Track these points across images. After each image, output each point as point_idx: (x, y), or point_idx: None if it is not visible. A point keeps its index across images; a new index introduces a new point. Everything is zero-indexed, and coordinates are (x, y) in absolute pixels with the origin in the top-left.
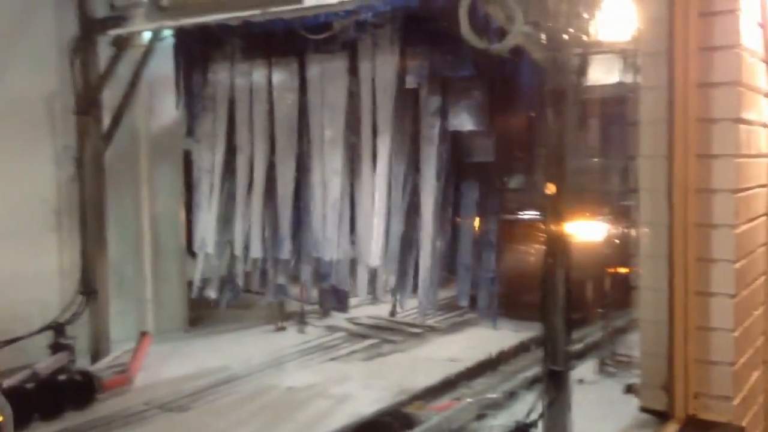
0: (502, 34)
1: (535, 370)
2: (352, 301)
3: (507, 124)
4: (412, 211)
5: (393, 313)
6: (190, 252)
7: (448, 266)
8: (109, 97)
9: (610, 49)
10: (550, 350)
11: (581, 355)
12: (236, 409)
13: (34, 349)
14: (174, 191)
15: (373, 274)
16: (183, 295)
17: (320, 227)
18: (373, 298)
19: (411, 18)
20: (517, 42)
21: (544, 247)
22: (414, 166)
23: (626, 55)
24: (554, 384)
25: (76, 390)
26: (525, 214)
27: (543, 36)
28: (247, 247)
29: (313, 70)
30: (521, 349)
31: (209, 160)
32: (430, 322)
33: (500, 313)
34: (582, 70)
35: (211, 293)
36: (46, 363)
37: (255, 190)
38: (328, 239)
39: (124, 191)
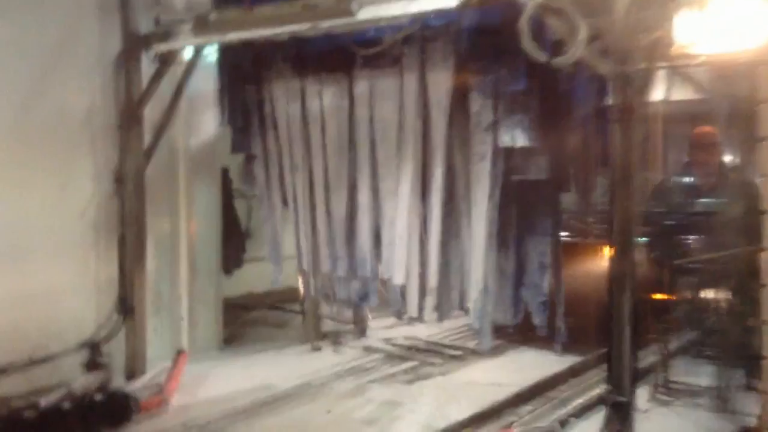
0: (557, 46)
1: (586, 397)
2: (387, 321)
3: (561, 141)
4: (465, 231)
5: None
6: (225, 269)
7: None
8: (149, 113)
9: (687, 62)
10: (614, 380)
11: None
12: None
13: (68, 367)
14: (211, 209)
15: (422, 295)
16: (218, 313)
17: (369, 246)
18: (420, 319)
19: (464, 31)
20: (579, 54)
21: (603, 270)
22: (466, 185)
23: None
24: (618, 416)
25: (112, 410)
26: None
27: (608, 49)
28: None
29: (363, 87)
30: (570, 374)
31: (266, 177)
32: (470, 345)
33: (565, 338)
34: (650, 85)
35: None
36: (81, 381)
37: (318, 208)
38: (382, 258)
39: (162, 208)
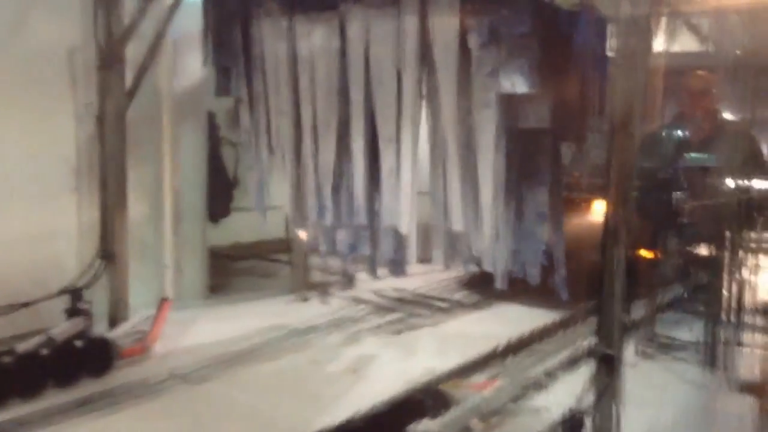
0: None
1: (573, 350)
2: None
3: (563, 88)
4: (472, 180)
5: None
6: (211, 217)
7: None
8: (133, 53)
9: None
10: (603, 332)
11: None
12: (258, 383)
13: (51, 313)
14: (197, 154)
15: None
16: (203, 261)
17: (363, 194)
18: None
19: None
20: None
21: (598, 222)
22: (470, 133)
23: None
24: (605, 369)
25: (92, 357)
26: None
27: None
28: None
29: (356, 26)
30: (559, 327)
31: (251, 122)
32: (457, 296)
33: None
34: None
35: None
36: (61, 328)
37: (305, 155)
38: (385, 206)
39: (145, 152)
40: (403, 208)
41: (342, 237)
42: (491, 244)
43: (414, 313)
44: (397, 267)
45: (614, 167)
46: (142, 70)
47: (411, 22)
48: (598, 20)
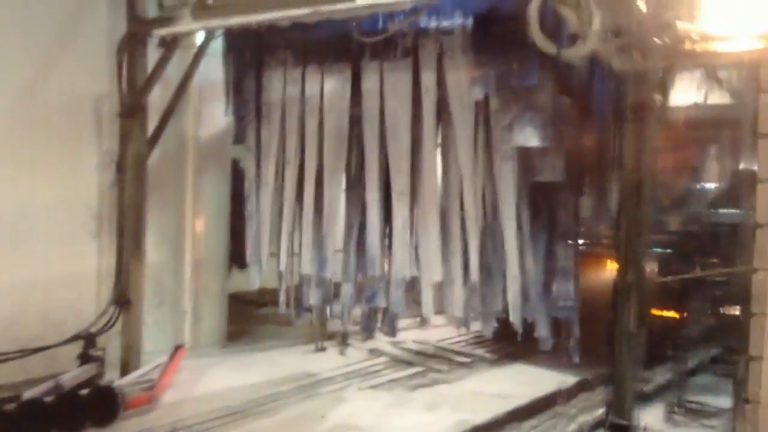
0: (574, 40)
1: (596, 415)
2: (399, 324)
3: (577, 141)
4: (492, 232)
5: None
6: (238, 264)
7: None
8: (158, 101)
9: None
10: (616, 399)
11: (646, 398)
12: None
13: (66, 358)
14: (220, 201)
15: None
16: (223, 308)
17: (380, 246)
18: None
19: (477, 22)
20: (592, 48)
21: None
22: (492, 185)
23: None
24: None
25: (97, 405)
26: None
27: (625, 43)
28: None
29: (371, 80)
30: (581, 388)
31: (257, 171)
32: (479, 351)
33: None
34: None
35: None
36: (71, 374)
37: (305, 205)
38: (394, 259)
39: (168, 199)
40: (431, 259)
41: (346, 290)
42: (518, 297)
43: (433, 368)
44: (392, 326)
45: (624, 222)
46: (165, 118)
47: (428, 75)
48: (611, 74)
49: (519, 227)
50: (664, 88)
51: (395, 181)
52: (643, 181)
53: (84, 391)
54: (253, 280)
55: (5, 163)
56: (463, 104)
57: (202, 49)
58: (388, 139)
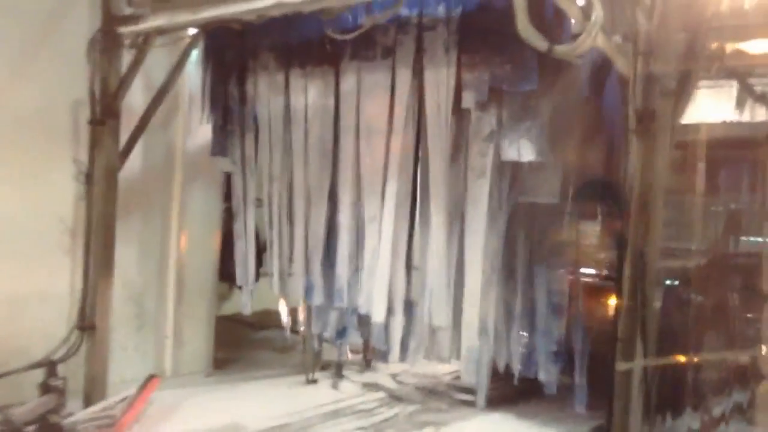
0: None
1: None
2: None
3: (579, 156)
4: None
5: None
6: (238, 283)
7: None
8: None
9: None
10: None
11: None
12: None
13: (32, 386)
14: (209, 217)
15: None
16: (209, 332)
17: (347, 275)
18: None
19: (464, 18)
20: (591, 44)
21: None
22: (460, 207)
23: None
24: None
25: None
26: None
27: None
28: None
29: (350, 83)
30: None
31: (243, 186)
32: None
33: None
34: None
35: None
36: (25, 407)
37: (296, 223)
38: (364, 291)
39: (153, 213)
40: (377, 294)
41: (331, 320)
42: (475, 343)
43: (431, 407)
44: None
45: (628, 250)
46: (141, 127)
47: (404, 76)
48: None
49: (492, 257)
50: (681, 96)
51: (367, 204)
52: (650, 200)
53: (29, 429)
54: (244, 303)
55: None
56: (440, 113)
57: (186, 53)
58: (361, 154)
